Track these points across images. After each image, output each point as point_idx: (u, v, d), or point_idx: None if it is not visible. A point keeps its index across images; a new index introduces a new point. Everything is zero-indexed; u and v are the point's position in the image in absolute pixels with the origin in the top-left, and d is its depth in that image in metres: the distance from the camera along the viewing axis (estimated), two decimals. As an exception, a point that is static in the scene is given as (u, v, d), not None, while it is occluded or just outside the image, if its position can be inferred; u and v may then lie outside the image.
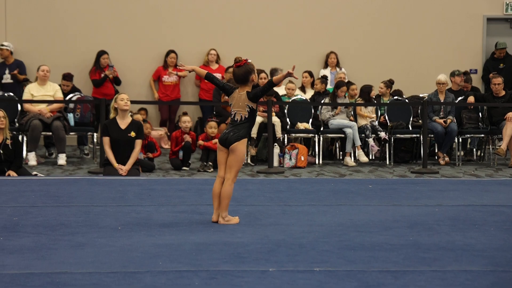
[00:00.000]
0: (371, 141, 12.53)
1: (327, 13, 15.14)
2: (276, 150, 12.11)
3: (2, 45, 14.02)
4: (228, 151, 6.68)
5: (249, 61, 6.75)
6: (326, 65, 14.94)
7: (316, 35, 15.14)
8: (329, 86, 13.97)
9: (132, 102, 10.84)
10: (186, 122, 11.81)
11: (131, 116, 10.57)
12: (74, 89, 13.30)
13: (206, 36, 14.91)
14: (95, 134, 12.62)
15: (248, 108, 6.66)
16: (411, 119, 13.01)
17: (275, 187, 9.24)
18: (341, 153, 12.97)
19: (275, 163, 11.97)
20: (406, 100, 13.38)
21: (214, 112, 12.98)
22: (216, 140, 11.58)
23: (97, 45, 14.42)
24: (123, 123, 10.35)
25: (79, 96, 13.00)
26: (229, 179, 6.66)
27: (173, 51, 14.63)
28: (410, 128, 12.94)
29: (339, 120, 12.66)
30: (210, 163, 11.47)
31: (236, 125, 6.68)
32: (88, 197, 8.15)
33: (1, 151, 9.95)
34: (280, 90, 13.35)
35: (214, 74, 7.20)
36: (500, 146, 12.31)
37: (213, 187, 6.74)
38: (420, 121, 12.67)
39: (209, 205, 7.59)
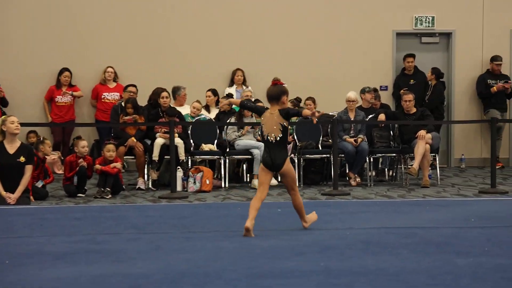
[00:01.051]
0: None
1: (234, 28, 15.22)
2: (179, 173, 12.06)
3: None
4: (271, 173, 7.67)
5: (284, 84, 7.81)
6: (232, 83, 15.01)
7: (222, 51, 15.19)
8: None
9: (22, 124, 10.61)
10: (85, 147, 11.62)
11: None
12: (-43, 111, 12.95)
13: (102, 54, 14.76)
14: (-20, 160, 12.26)
15: (281, 127, 7.54)
16: (320, 138, 13.17)
17: (178, 213, 9.21)
18: (248, 175, 13.01)
19: (179, 188, 11.91)
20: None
21: (112, 134, 12.83)
22: (114, 164, 11.45)
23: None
24: (12, 147, 10.13)
25: (-38, 118, 12.64)
26: (296, 193, 7.73)
27: (67, 69, 14.41)
28: (320, 148, 13.10)
29: (246, 140, 12.71)
30: (108, 189, 11.30)
31: (273, 147, 7.56)
32: (-27, 228, 7.93)
33: None
34: (183, 109, 13.31)
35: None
36: (412, 165, 12.57)
37: (252, 201, 7.56)
38: (330, 140, 12.84)
39: (107, 234, 7.50)
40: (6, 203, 9.89)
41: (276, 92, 7.66)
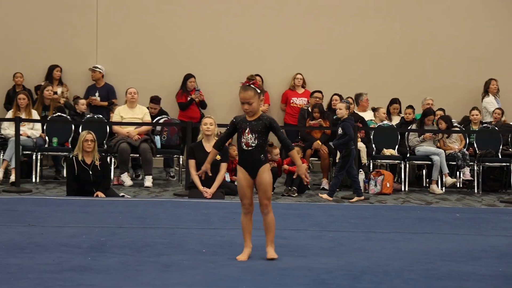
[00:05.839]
0: (467, 171, 12.27)
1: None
2: (361, 176, 12.05)
3: (95, 67, 14.39)
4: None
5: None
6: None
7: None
8: (417, 112, 13.83)
9: (219, 125, 10.94)
10: (277, 154, 11.80)
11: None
12: (161, 112, 13.52)
13: (291, 60, 14.98)
14: (181, 156, 12.79)
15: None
16: (500, 147, 12.74)
17: (359, 214, 9.20)
18: (427, 180, 12.80)
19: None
20: (496, 128, 13.12)
21: (299, 137, 12.97)
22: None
23: (184, 68, 14.63)
24: (209, 146, 10.47)
25: (166, 118, 13.19)
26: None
27: (258, 75, 14.71)
28: (500, 157, 12.66)
29: (427, 147, 12.51)
30: (295, 188, 11.48)
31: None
32: (173, 219, 8.27)
33: (90, 172, 10.19)
34: (367, 115, 13.29)
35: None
36: None
37: None
38: (510, 149, 12.39)
39: (293, 230, 7.61)
40: (203, 197, 10.25)
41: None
